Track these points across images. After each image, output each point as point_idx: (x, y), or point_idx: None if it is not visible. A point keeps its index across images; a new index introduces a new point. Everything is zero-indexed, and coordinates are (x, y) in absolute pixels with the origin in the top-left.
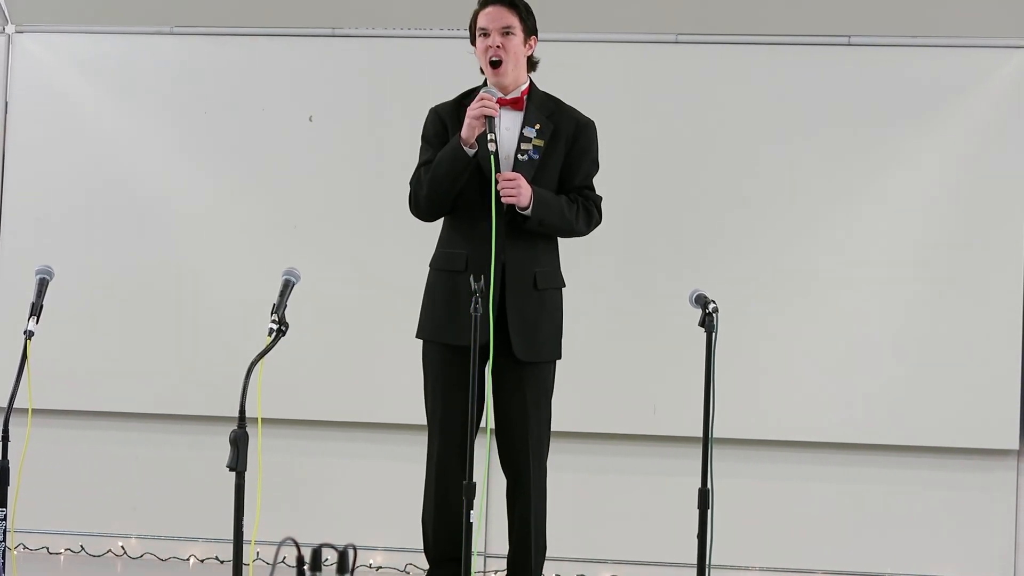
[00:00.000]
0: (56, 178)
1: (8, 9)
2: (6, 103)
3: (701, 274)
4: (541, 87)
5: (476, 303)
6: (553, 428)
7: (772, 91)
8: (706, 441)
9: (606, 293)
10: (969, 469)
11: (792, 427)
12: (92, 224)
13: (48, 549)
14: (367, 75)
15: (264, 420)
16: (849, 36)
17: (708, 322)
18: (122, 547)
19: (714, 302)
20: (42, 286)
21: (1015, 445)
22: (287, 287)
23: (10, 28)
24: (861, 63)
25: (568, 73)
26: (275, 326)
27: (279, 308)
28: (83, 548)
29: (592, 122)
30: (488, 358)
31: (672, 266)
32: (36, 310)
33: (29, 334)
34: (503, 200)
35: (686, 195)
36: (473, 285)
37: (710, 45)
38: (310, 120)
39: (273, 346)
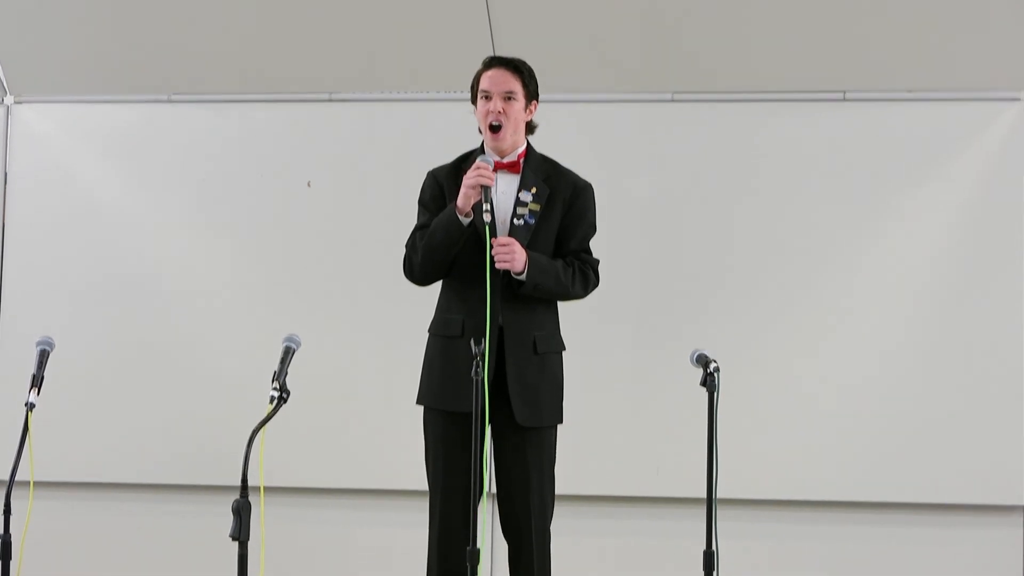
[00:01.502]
0: (56, 248)
1: (7, 80)
2: (5, 173)
3: (702, 332)
4: (541, 146)
5: (477, 367)
6: (556, 491)
7: (768, 147)
8: (710, 502)
9: (606, 354)
10: (975, 525)
11: (797, 485)
12: (92, 294)
13: None
14: (365, 139)
15: (266, 488)
16: (844, 92)
17: (710, 382)
18: None
19: (715, 361)
20: (43, 357)
21: (1021, 501)
22: (288, 354)
23: (9, 99)
24: (856, 118)
25: (567, 132)
26: (276, 394)
27: (280, 375)
28: None
29: (589, 185)
30: (486, 423)
31: (672, 324)
32: (37, 382)
33: (30, 406)
34: (497, 266)
35: (684, 252)
36: (474, 349)
37: (706, 103)
38: (308, 185)
39: (275, 414)
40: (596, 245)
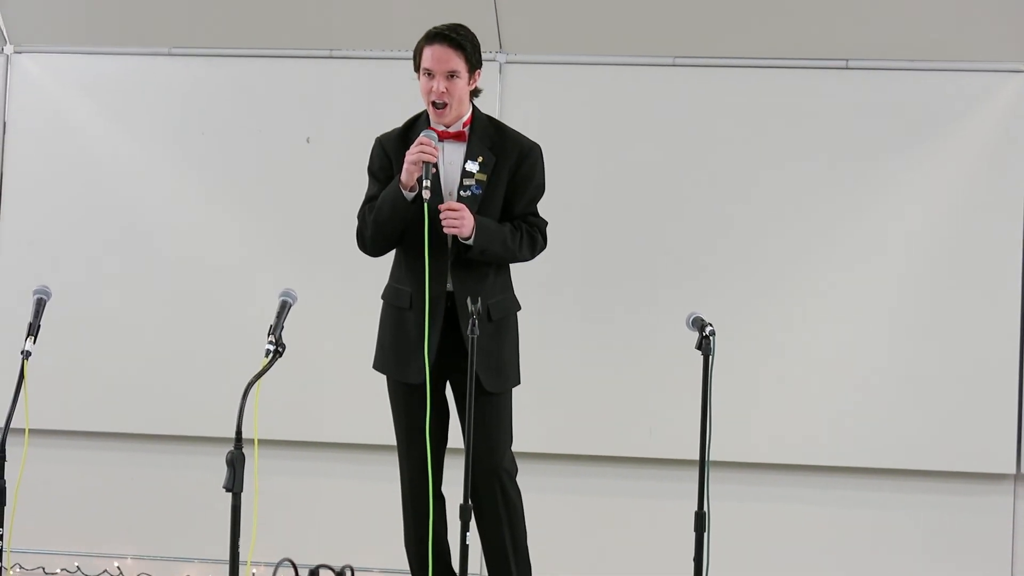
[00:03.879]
0: (54, 197)
1: (7, 29)
2: (4, 123)
3: (697, 295)
4: (539, 109)
5: (473, 325)
6: (549, 450)
7: (769, 114)
8: (702, 464)
9: (601, 315)
10: (966, 493)
11: (789, 450)
12: (89, 244)
13: (44, 569)
14: (364, 97)
15: (261, 441)
16: (847, 60)
17: (705, 345)
18: (118, 567)
19: (711, 325)
20: (39, 306)
21: (1012, 469)
22: (284, 308)
23: (8, 48)
24: (859, 87)
25: (566, 94)
26: (272, 347)
27: (276, 329)
28: (79, 568)
29: (536, 146)
30: (430, 388)
31: (668, 287)
32: (33, 330)
33: (26, 354)
34: (445, 231)
35: (683, 216)
36: (470, 307)
37: (707, 68)
38: (307, 142)
39: (270, 367)
40: (599, 206)
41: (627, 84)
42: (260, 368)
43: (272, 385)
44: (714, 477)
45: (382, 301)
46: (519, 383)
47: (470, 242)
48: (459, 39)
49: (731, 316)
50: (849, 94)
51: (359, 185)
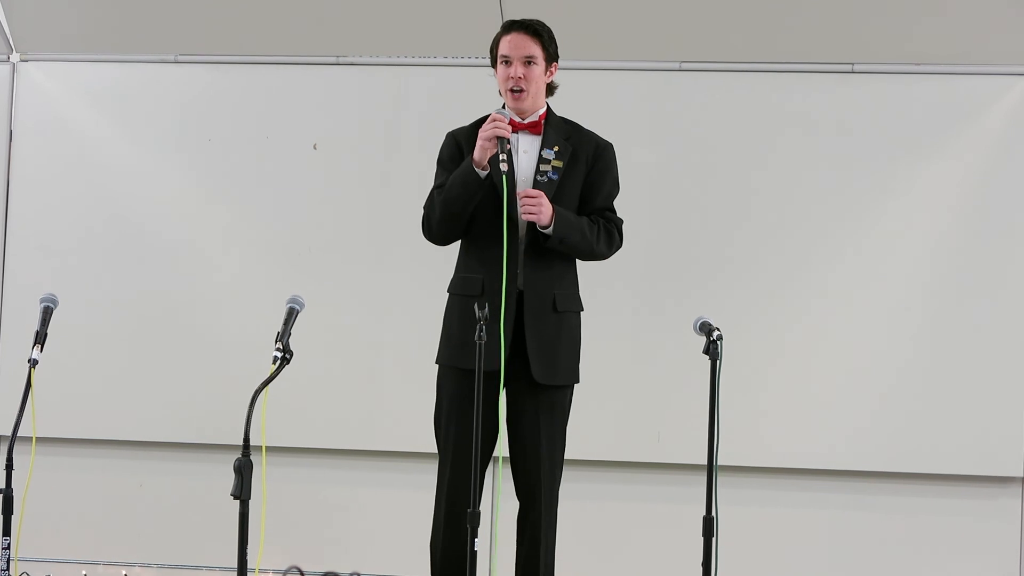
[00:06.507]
0: (61, 205)
1: (13, 38)
2: (11, 131)
3: (705, 300)
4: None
5: (481, 331)
6: None
7: (775, 117)
8: (711, 469)
9: (609, 320)
10: (974, 496)
11: (797, 454)
12: (97, 251)
13: None
14: (371, 103)
15: (268, 448)
16: (853, 63)
17: (712, 349)
18: (126, 575)
19: (718, 329)
20: (46, 314)
21: (1020, 472)
22: (291, 315)
23: (15, 57)
24: (864, 90)
25: (573, 100)
26: (279, 354)
27: (283, 336)
28: None
29: (611, 144)
30: (501, 383)
31: (676, 292)
32: (40, 338)
33: (33, 362)
34: (523, 217)
35: (690, 221)
36: (478, 313)
37: (713, 72)
38: (314, 148)
39: (277, 374)
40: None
41: (633, 88)
42: (268, 375)
43: (280, 392)
44: (722, 482)
45: (448, 295)
46: (577, 381)
47: (549, 231)
48: (536, 27)
49: (738, 320)
50: (855, 97)
51: (365, 191)
